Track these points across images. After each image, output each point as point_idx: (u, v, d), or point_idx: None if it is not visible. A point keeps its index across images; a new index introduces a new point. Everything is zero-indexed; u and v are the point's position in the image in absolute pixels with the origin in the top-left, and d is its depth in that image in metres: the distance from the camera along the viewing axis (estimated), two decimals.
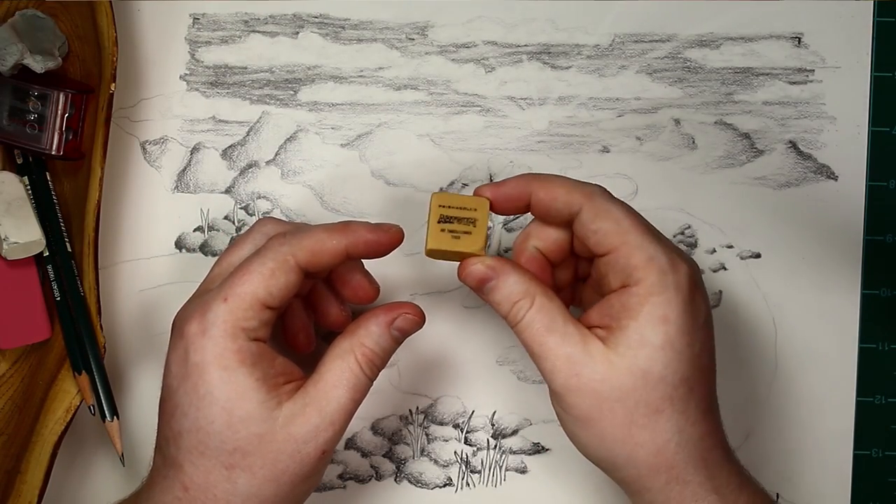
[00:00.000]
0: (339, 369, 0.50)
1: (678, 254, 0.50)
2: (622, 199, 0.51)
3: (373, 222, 0.51)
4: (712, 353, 0.50)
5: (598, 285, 0.51)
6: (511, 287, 0.50)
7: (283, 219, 0.57)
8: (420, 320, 0.52)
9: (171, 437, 0.49)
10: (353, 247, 0.50)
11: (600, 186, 0.51)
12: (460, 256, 0.51)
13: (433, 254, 0.52)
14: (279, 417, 0.49)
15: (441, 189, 0.60)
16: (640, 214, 0.51)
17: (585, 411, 0.49)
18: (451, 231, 0.51)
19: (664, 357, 0.48)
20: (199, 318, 0.49)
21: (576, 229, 0.50)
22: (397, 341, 0.52)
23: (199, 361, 0.48)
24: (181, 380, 0.49)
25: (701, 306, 0.49)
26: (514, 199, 0.51)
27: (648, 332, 0.48)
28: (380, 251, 0.51)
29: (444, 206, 0.51)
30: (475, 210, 0.51)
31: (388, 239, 0.51)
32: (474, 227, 0.51)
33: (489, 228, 0.60)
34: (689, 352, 0.48)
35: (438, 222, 0.51)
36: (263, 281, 0.49)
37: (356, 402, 0.50)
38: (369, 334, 0.51)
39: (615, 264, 0.49)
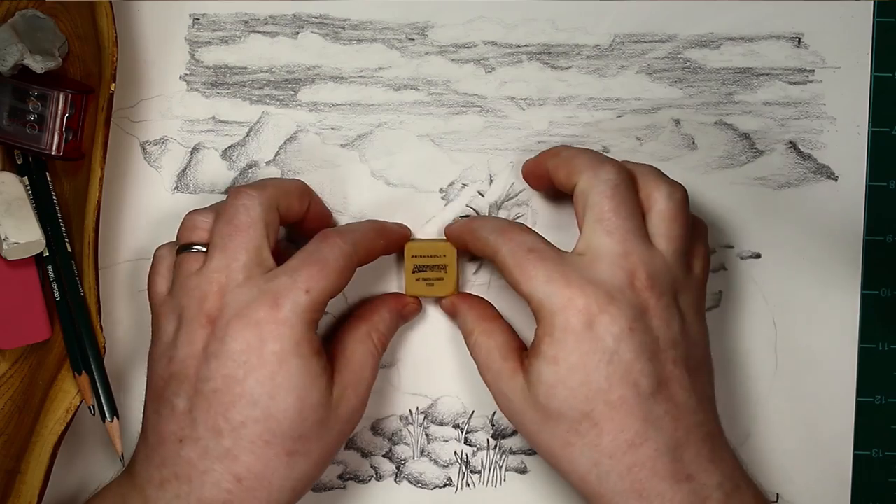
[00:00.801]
0: (362, 353, 0.54)
1: (581, 286, 0.50)
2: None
3: (391, 222, 0.58)
4: (632, 383, 0.49)
5: None
6: (462, 323, 0.57)
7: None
8: (420, 309, 0.59)
9: (225, 428, 0.49)
10: (389, 246, 0.56)
11: (503, 228, 0.53)
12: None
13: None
14: (332, 402, 0.51)
15: (441, 189, 0.60)
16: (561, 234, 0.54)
17: (526, 437, 0.53)
18: (425, 279, 0.57)
19: (558, 395, 0.50)
20: (273, 307, 0.49)
21: None
22: (399, 325, 0.58)
23: (278, 350, 0.49)
24: (253, 368, 0.49)
25: (603, 340, 0.49)
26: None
27: (543, 370, 0.50)
28: (397, 250, 0.58)
29: (416, 257, 0.57)
30: (444, 256, 0.57)
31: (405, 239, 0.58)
32: (445, 272, 0.57)
33: None
34: (587, 389, 0.49)
35: (413, 272, 0.57)
36: (338, 278, 0.51)
37: (375, 379, 0.55)
38: (383, 320, 0.56)
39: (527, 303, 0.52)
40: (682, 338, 0.51)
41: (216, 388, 0.49)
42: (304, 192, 0.56)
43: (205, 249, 0.52)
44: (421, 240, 0.59)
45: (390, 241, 0.56)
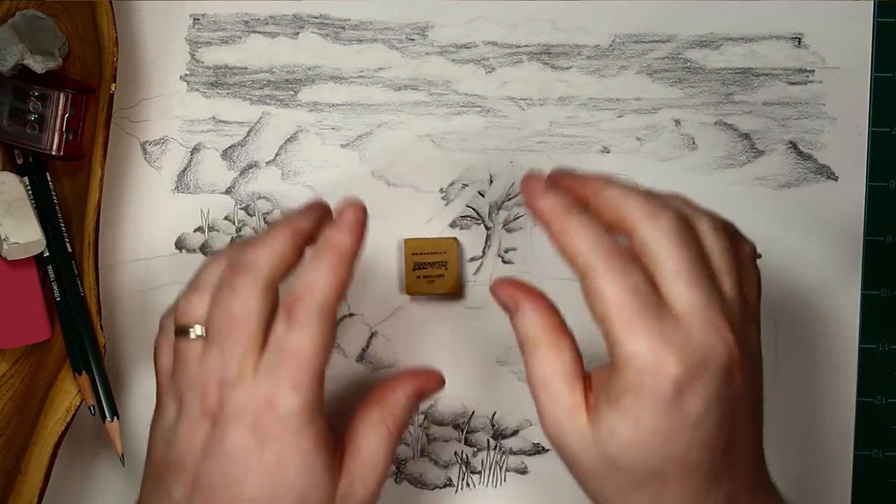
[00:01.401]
0: (375, 442, 0.50)
1: (678, 349, 0.45)
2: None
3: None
4: (711, 446, 0.46)
5: None
6: (524, 325, 0.49)
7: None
8: (441, 385, 0.53)
9: None
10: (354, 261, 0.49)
11: (607, 252, 0.47)
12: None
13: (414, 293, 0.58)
14: (337, 497, 0.48)
15: (441, 189, 0.60)
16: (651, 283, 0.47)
17: (568, 466, 0.49)
18: (425, 276, 0.57)
19: (632, 453, 0.46)
20: (268, 409, 0.47)
21: None
22: (420, 404, 0.52)
23: (277, 452, 0.47)
24: (252, 471, 0.47)
25: (692, 408, 0.45)
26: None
27: (620, 426, 0.46)
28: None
29: (416, 254, 0.57)
30: (445, 252, 0.57)
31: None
32: (446, 269, 0.57)
33: (489, 229, 0.60)
34: (665, 450, 0.46)
35: (413, 270, 0.57)
36: (322, 353, 0.47)
37: (388, 469, 0.50)
38: (398, 404, 0.51)
39: (607, 342, 0.47)
40: (754, 382, 0.48)
41: (214, 483, 0.48)
42: (300, 237, 0.50)
43: (202, 333, 0.49)
44: (421, 238, 0.59)
45: (349, 263, 0.48)
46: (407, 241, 0.58)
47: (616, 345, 0.46)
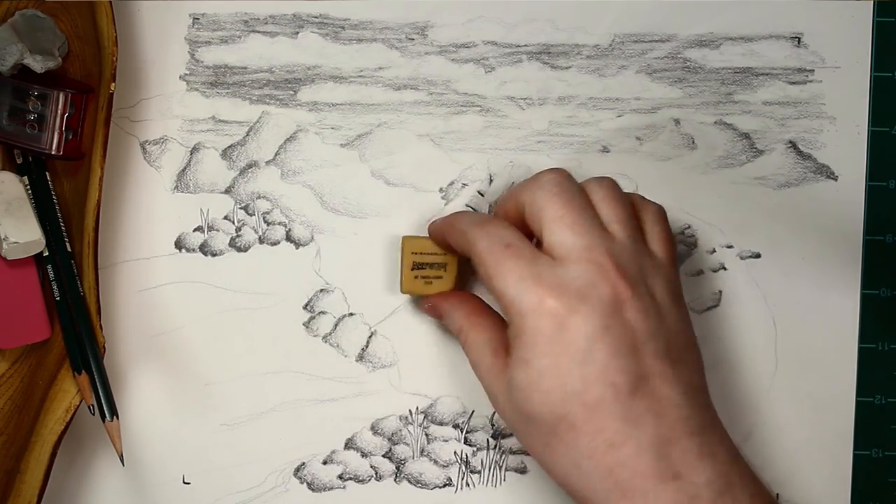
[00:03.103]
0: None
1: (552, 286, 0.48)
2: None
3: None
4: (609, 383, 0.48)
5: None
6: (450, 322, 0.55)
7: (283, 218, 0.59)
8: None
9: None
10: None
11: (477, 221, 0.52)
12: None
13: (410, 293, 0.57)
14: None
15: (441, 189, 0.60)
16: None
17: (514, 434, 0.53)
18: (423, 277, 0.56)
19: (532, 398, 0.49)
20: None
21: None
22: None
23: None
24: None
25: (574, 340, 0.48)
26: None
27: (516, 373, 0.49)
28: None
29: (415, 253, 0.56)
30: (446, 254, 0.56)
31: None
32: (445, 271, 0.56)
33: None
34: (561, 392, 0.48)
35: (411, 269, 0.56)
36: None
37: None
38: None
39: (497, 301, 0.51)
40: (661, 327, 0.49)
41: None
42: None
43: None
44: (421, 237, 0.58)
45: None
46: (406, 238, 0.57)
47: (498, 297, 0.50)
